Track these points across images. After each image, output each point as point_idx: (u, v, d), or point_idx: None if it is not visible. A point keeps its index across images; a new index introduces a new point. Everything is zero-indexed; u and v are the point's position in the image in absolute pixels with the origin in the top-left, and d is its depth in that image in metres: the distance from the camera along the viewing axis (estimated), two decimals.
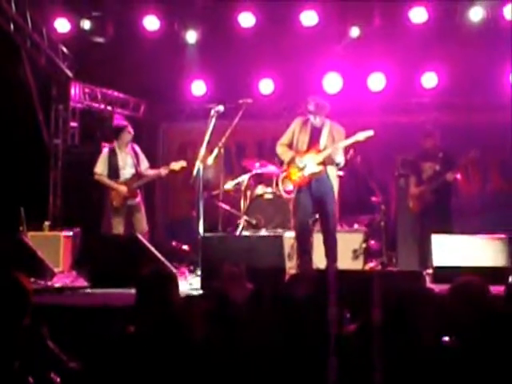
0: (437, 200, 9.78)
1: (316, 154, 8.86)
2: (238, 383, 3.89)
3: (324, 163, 8.86)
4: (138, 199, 10.22)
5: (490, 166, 12.55)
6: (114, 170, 10.16)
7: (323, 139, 8.93)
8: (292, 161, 9.00)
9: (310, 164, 8.86)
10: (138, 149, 10.40)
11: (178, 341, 4.09)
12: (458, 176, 9.82)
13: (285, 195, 10.47)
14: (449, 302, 4.08)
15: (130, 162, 10.21)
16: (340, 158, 8.90)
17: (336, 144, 8.86)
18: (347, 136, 8.99)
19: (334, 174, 8.99)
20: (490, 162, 12.38)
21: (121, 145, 10.23)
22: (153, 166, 10.61)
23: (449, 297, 4.12)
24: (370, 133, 8.94)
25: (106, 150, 10.33)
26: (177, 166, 10.11)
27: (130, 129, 10.30)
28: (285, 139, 9.11)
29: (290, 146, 9.06)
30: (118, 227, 10.06)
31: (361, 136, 8.93)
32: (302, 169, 8.89)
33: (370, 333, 3.67)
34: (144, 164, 10.34)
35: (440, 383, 3.68)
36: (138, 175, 10.20)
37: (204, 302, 4.49)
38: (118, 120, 12.18)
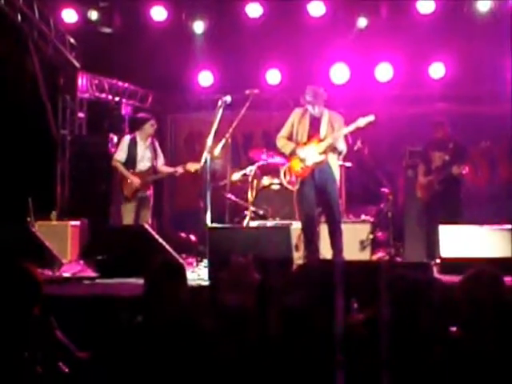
0: (445, 190, 9.78)
1: (317, 144, 8.84)
2: (244, 374, 3.90)
3: (325, 152, 8.84)
4: (149, 192, 10.24)
5: (497, 156, 12.54)
6: (131, 160, 10.16)
7: (323, 128, 8.89)
8: (293, 153, 8.95)
9: (311, 154, 8.83)
10: (157, 144, 10.41)
11: (186, 331, 4.11)
12: (466, 170, 9.74)
13: (289, 187, 10.46)
14: (463, 292, 4.06)
15: (148, 155, 10.21)
16: (342, 146, 8.88)
17: (337, 132, 8.84)
18: (347, 123, 8.96)
19: (335, 162, 8.96)
20: (498, 152, 12.36)
21: (142, 137, 10.22)
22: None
23: (463, 286, 4.09)
24: (371, 118, 8.85)
25: (127, 138, 10.33)
26: (193, 167, 9.97)
27: (154, 122, 10.28)
28: (284, 132, 9.07)
29: (289, 138, 9.01)
30: (128, 216, 10.07)
31: (362, 122, 8.85)
32: (303, 160, 8.87)
33: (377, 323, 3.68)
34: (160, 160, 10.34)
35: (448, 373, 3.69)
36: (153, 169, 10.22)
37: (212, 293, 4.50)
38: (128, 112, 12.25)
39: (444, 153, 9.89)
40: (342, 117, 8.99)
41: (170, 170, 10.37)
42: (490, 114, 12.33)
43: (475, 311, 3.93)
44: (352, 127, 8.87)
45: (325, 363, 3.65)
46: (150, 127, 10.22)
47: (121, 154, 10.22)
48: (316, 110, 8.88)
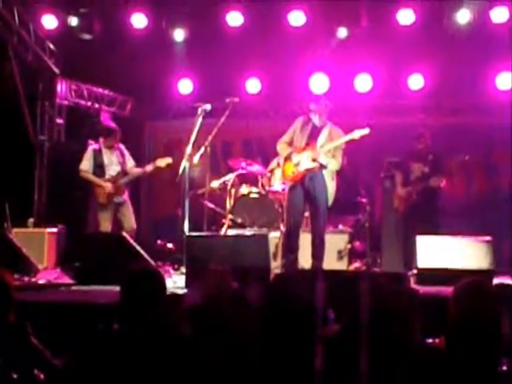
0: (422, 201, 9.82)
1: (312, 151, 8.94)
2: (229, 376, 3.89)
3: (317, 160, 8.94)
4: (125, 196, 10.22)
5: (475, 167, 12.58)
6: (99, 168, 10.18)
7: (321, 138, 9.04)
8: (288, 157, 9.16)
9: (304, 160, 8.98)
10: (123, 148, 10.43)
11: (163, 339, 4.09)
12: (444, 183, 9.77)
13: (274, 190, 10.41)
14: (455, 302, 4.06)
15: (115, 159, 10.23)
16: (326, 161, 8.96)
17: (332, 142, 8.94)
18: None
19: (329, 175, 9.07)
20: (475, 163, 12.40)
21: (106, 145, 10.25)
22: (139, 164, 10.61)
23: (458, 297, 4.09)
24: (366, 131, 9.02)
25: (90, 148, 10.38)
26: (162, 162, 10.10)
27: (118, 139, 10.33)
28: (286, 137, 9.31)
29: (290, 144, 9.24)
30: (105, 224, 10.07)
31: (357, 134, 9.04)
32: (296, 164, 9.01)
33: (354, 333, 3.68)
34: (130, 163, 10.35)
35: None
36: (123, 172, 10.21)
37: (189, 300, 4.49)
38: (106, 120, 12.22)
39: (423, 164, 9.94)
40: (343, 133, 9.09)
41: (140, 170, 10.37)
42: (468, 126, 12.40)
43: (466, 322, 3.93)
44: (347, 138, 9.02)
45: (303, 370, 3.65)
46: (112, 140, 10.27)
47: (86, 164, 10.26)
48: (318, 119, 9.04)
